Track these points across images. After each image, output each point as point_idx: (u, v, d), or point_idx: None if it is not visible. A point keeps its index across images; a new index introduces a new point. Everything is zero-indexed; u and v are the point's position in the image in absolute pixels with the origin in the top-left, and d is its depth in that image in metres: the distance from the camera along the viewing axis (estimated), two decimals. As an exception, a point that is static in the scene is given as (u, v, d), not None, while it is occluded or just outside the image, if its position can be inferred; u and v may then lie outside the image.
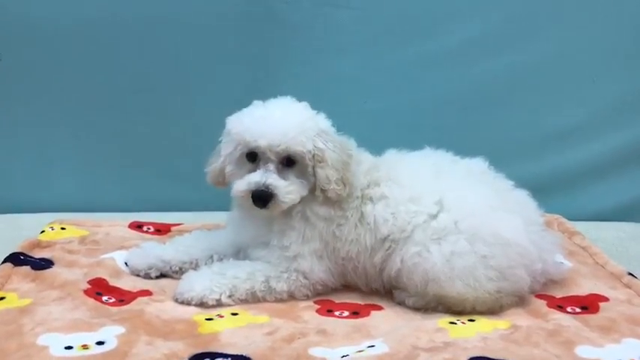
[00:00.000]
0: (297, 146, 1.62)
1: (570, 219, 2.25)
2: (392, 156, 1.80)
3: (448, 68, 2.40)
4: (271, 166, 1.63)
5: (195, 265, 1.81)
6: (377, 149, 1.82)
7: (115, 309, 1.60)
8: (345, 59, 2.38)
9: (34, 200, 2.41)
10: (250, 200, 1.63)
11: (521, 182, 1.79)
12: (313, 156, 1.65)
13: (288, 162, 1.65)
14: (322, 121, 1.71)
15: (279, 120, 1.64)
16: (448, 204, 1.66)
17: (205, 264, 1.79)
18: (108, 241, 2.02)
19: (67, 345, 1.41)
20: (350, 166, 1.69)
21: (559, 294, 1.73)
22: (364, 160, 1.77)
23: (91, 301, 1.63)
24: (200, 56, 2.40)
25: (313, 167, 1.65)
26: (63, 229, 2.09)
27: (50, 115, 2.42)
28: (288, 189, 1.63)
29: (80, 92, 2.40)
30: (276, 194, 1.61)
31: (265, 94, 1.72)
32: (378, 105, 2.40)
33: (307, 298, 1.71)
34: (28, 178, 2.46)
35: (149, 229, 2.15)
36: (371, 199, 1.70)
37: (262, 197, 1.61)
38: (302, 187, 1.66)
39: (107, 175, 2.47)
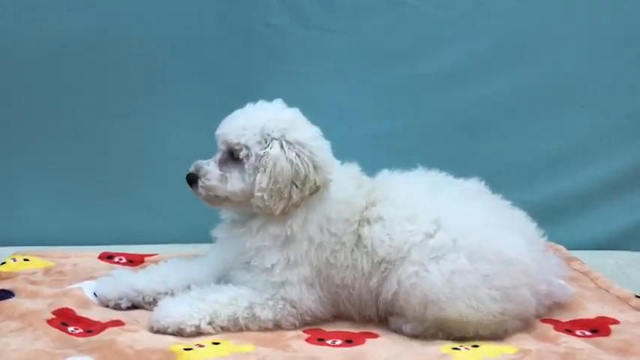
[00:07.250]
0: (233, 139, 1.58)
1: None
2: (386, 176, 1.71)
3: (435, 94, 2.33)
4: (218, 156, 1.62)
5: (171, 296, 1.64)
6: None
7: (82, 339, 1.45)
8: (330, 84, 2.30)
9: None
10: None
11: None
12: (260, 158, 1.56)
13: (232, 155, 1.59)
14: (299, 132, 1.59)
15: (242, 114, 1.62)
16: (446, 222, 1.56)
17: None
18: (75, 271, 1.87)
19: (25, 377, 1.26)
20: (305, 187, 1.55)
21: (565, 318, 1.63)
22: (365, 182, 1.67)
23: (55, 331, 1.47)
24: (177, 81, 2.29)
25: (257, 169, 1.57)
26: (26, 260, 1.93)
27: (12, 143, 2.27)
28: (211, 175, 1.59)
29: (44, 119, 2.26)
30: (199, 177, 1.59)
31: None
32: (363, 130, 2.31)
33: (294, 327, 1.58)
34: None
35: (121, 259, 1.99)
36: (368, 221, 1.60)
37: (188, 177, 1.61)
38: (238, 181, 1.58)
39: (74, 207, 2.31)
